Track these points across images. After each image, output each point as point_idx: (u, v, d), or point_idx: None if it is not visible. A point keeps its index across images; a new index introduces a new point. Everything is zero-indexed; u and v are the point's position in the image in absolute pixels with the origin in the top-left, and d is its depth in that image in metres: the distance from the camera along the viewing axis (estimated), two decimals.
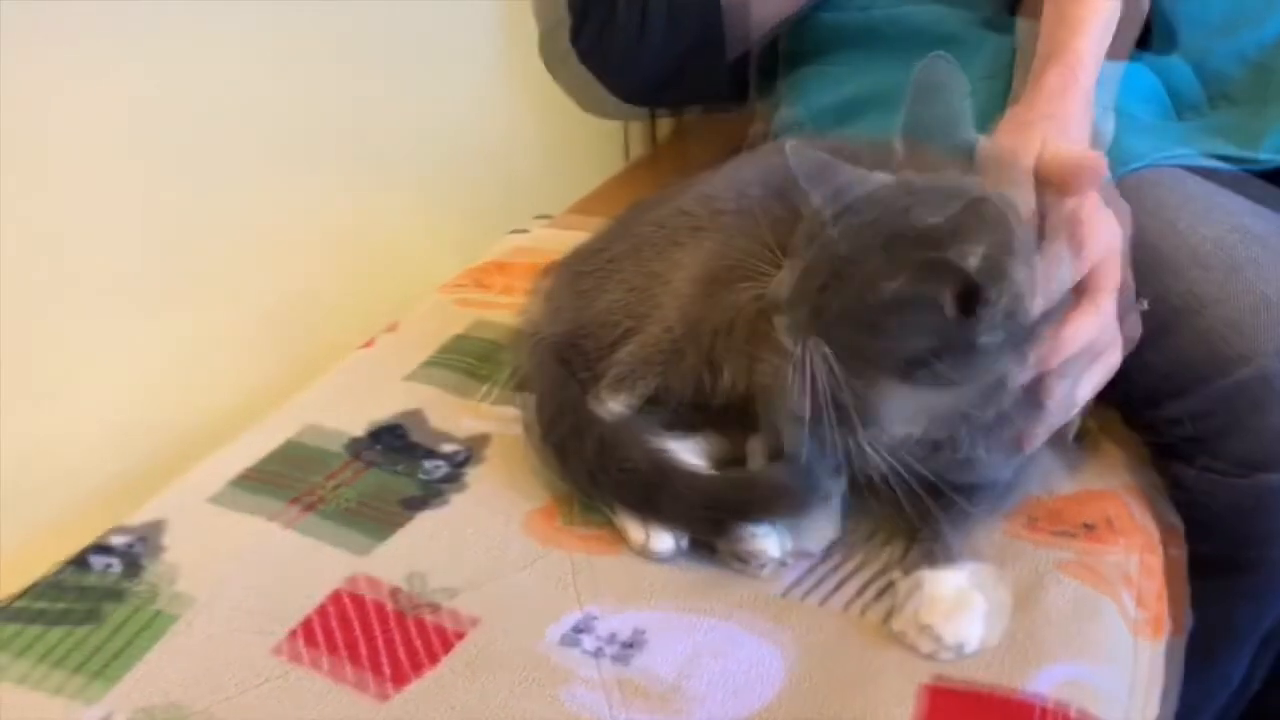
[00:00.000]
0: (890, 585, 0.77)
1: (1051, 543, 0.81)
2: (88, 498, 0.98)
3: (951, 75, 0.76)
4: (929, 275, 0.64)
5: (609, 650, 0.73)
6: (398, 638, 0.74)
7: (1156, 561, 0.84)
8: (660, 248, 0.88)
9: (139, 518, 0.85)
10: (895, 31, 1.12)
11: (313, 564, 0.80)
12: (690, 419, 0.84)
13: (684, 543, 0.79)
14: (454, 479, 0.89)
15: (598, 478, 0.81)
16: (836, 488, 0.80)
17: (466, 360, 1.04)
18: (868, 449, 0.70)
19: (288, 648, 0.73)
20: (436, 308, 1.14)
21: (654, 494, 0.78)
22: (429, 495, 0.87)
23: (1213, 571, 0.86)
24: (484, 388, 1.00)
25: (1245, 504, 0.85)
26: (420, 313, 1.13)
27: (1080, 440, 0.87)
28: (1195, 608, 0.82)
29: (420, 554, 0.81)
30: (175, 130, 1.04)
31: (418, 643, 0.74)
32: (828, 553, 0.80)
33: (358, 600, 0.77)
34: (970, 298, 0.64)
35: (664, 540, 0.79)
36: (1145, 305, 0.78)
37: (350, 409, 0.97)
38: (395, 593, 0.78)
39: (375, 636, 0.74)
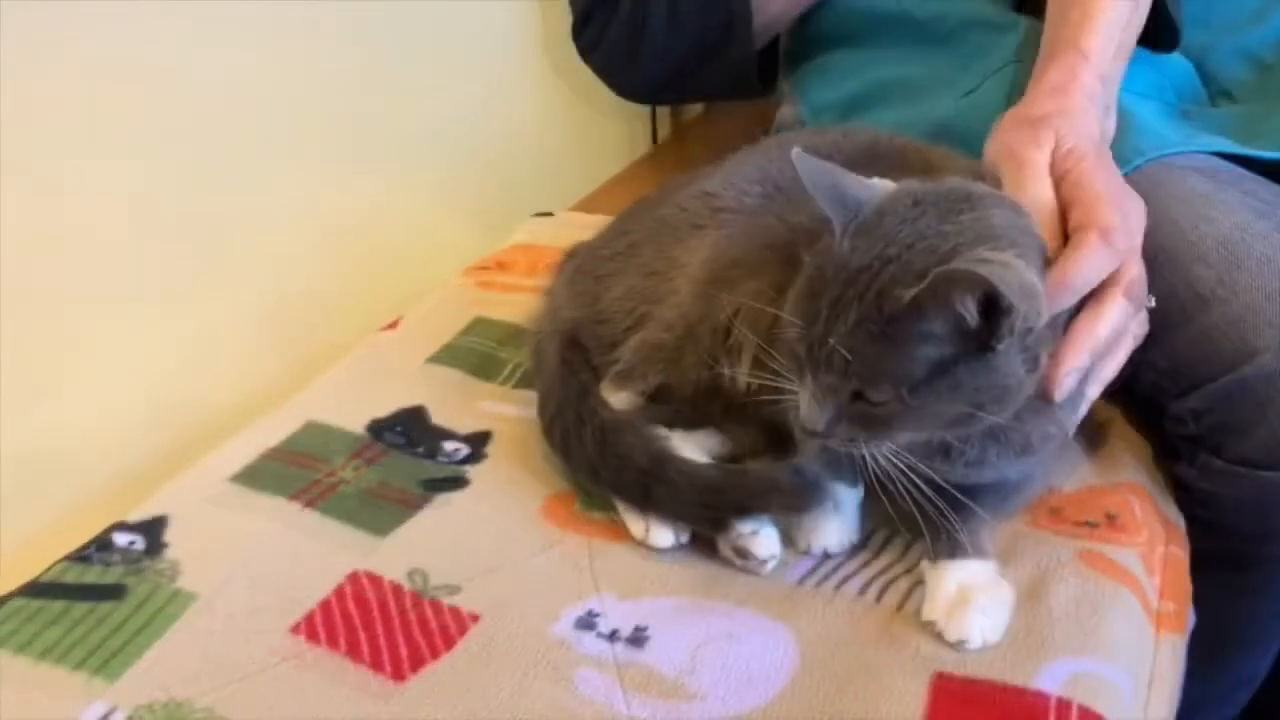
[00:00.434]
0: (899, 578, 0.77)
1: (1075, 533, 0.81)
2: (97, 492, 0.99)
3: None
4: (948, 283, 0.63)
5: (623, 636, 0.73)
6: (414, 620, 0.75)
7: (1182, 554, 0.84)
8: (680, 233, 0.88)
9: (163, 494, 0.86)
10: (924, 13, 1.11)
11: (330, 546, 0.81)
12: (693, 415, 0.85)
13: (684, 537, 0.80)
14: (473, 462, 0.90)
15: (598, 470, 0.81)
16: (855, 493, 0.80)
17: (488, 343, 1.04)
18: (877, 454, 0.70)
19: (305, 628, 0.74)
20: (459, 290, 1.15)
21: (650, 485, 0.78)
22: (448, 478, 0.88)
23: (1215, 569, 0.85)
24: (505, 370, 1.01)
25: (1248, 501, 0.85)
26: (443, 295, 1.14)
27: (1097, 434, 0.86)
28: (1197, 605, 0.81)
29: (438, 537, 0.82)
30: (179, 125, 1.04)
31: (433, 625, 0.75)
32: None
33: (375, 582, 0.78)
34: (991, 305, 0.64)
35: (663, 534, 0.79)
36: (1152, 302, 0.78)
37: (372, 391, 0.97)
38: (412, 575, 0.78)
39: (391, 619, 0.75)
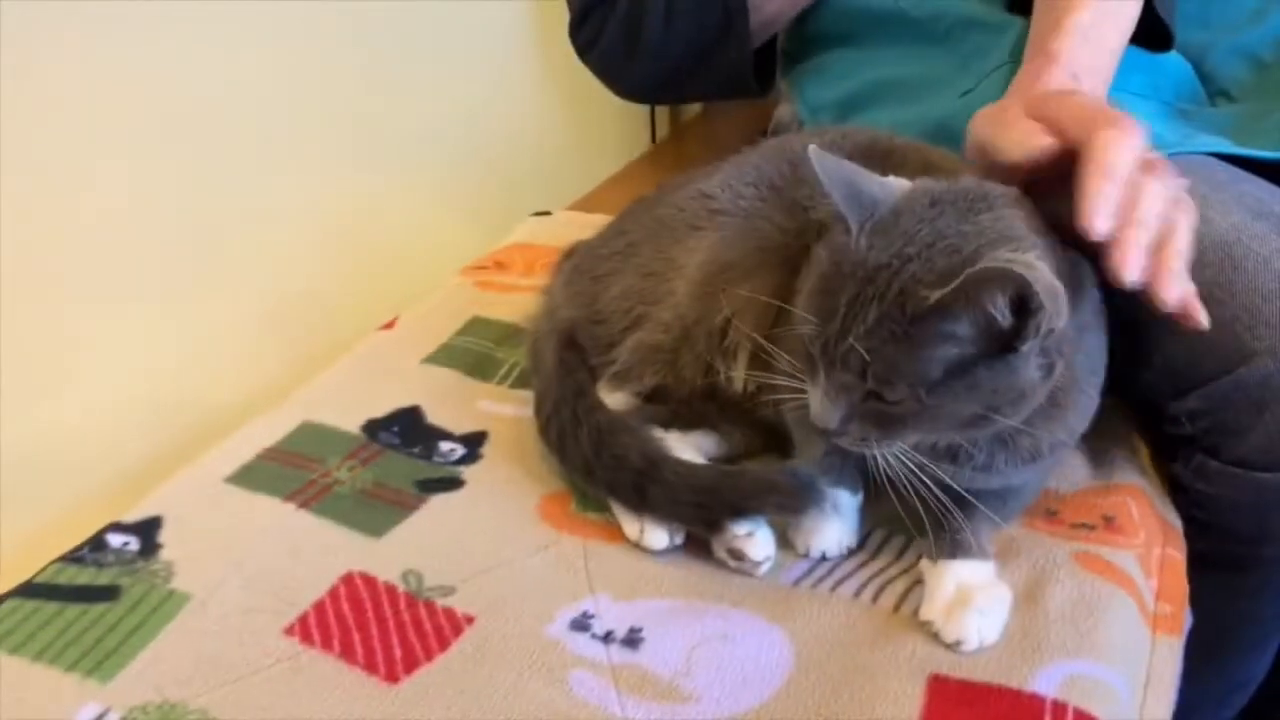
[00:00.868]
0: (895, 579, 0.77)
1: (1070, 535, 0.81)
2: (97, 491, 0.99)
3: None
4: (982, 282, 0.63)
5: (617, 637, 0.73)
6: (408, 621, 0.75)
7: (1179, 556, 0.84)
8: (678, 233, 0.87)
9: (158, 494, 0.86)
10: (921, 13, 1.11)
11: (325, 547, 0.81)
12: (689, 416, 0.85)
13: (679, 538, 0.79)
14: (469, 462, 0.90)
15: (594, 470, 0.81)
16: (855, 498, 0.80)
17: (484, 343, 1.04)
18: (887, 454, 0.70)
19: (299, 629, 0.74)
20: (457, 290, 1.15)
21: (646, 486, 0.78)
22: (444, 478, 0.88)
23: (1211, 570, 0.85)
24: (501, 370, 1.01)
25: (1244, 503, 0.84)
26: (440, 295, 1.14)
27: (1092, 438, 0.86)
28: (1193, 607, 0.81)
29: (433, 538, 0.82)
30: (179, 125, 1.05)
31: (428, 626, 0.74)
32: None
33: (370, 583, 0.78)
34: (1022, 304, 0.64)
35: (658, 535, 0.79)
36: (1188, 183, 0.75)
37: (368, 391, 0.97)
38: (407, 576, 0.78)
39: (386, 619, 0.75)
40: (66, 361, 0.99)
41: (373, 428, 0.93)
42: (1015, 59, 0.96)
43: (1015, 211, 0.69)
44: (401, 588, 0.77)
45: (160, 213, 1.05)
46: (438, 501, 0.85)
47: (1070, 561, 0.78)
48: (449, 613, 0.75)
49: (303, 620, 0.75)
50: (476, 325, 1.07)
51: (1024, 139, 0.75)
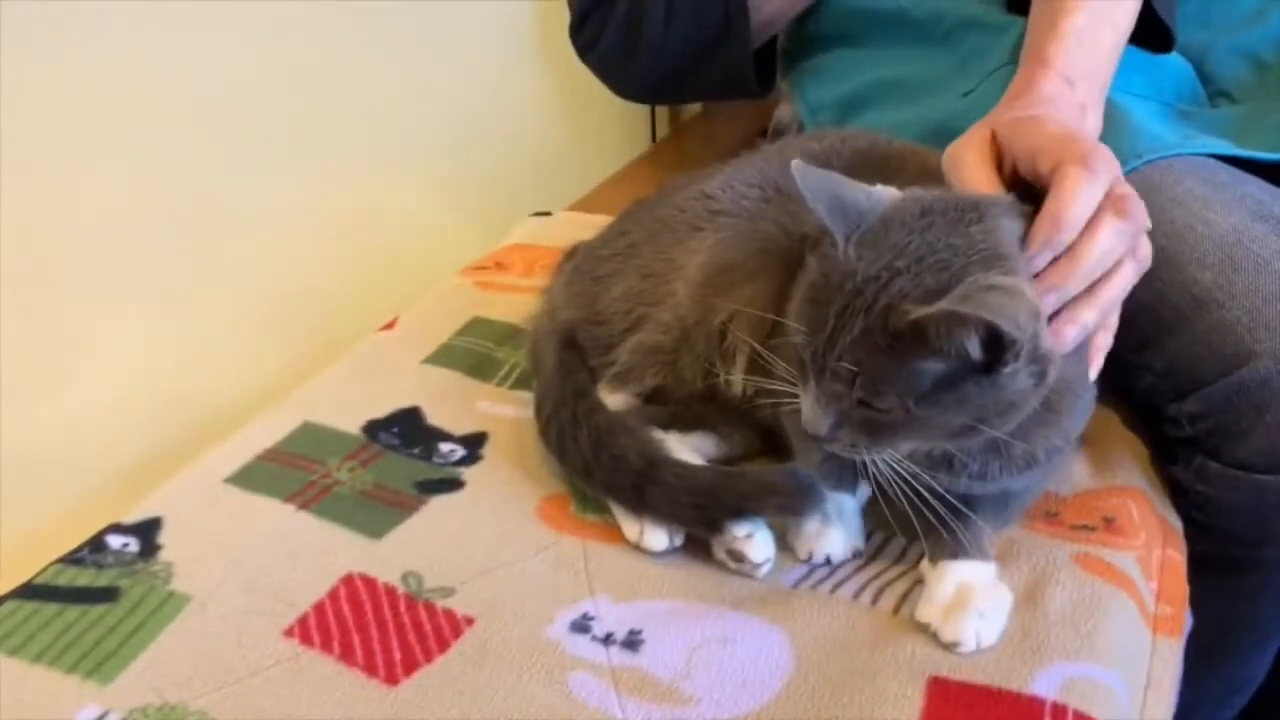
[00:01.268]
0: (895, 581, 0.77)
1: (1071, 536, 0.81)
2: (97, 491, 0.99)
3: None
4: (953, 322, 0.62)
5: (617, 639, 0.73)
6: (408, 623, 0.75)
7: (1179, 558, 0.84)
8: (679, 234, 0.87)
9: (158, 495, 0.86)
10: (922, 13, 1.11)
11: (325, 548, 0.81)
12: (689, 418, 0.85)
13: (678, 540, 0.79)
14: (469, 463, 0.89)
15: (593, 470, 0.81)
16: (857, 501, 0.80)
17: (485, 344, 1.04)
18: (878, 461, 0.70)
19: (299, 630, 0.74)
20: (457, 290, 1.15)
21: (645, 487, 0.78)
22: (443, 479, 0.88)
23: (1212, 572, 0.85)
24: (501, 371, 1.01)
25: (1244, 504, 0.84)
26: (440, 295, 1.14)
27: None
28: (1193, 609, 0.81)
29: (433, 539, 0.82)
30: (179, 125, 1.05)
31: (428, 628, 0.74)
32: None
33: (369, 584, 0.78)
34: (995, 339, 0.63)
35: (657, 537, 0.79)
36: (1149, 225, 0.74)
37: (368, 392, 0.97)
38: (407, 578, 0.78)
39: (386, 621, 0.75)
40: (66, 361, 0.99)
41: (373, 429, 0.93)
42: (1016, 60, 0.96)
43: (1007, 223, 0.69)
44: (401, 589, 0.77)
45: (160, 212, 1.05)
46: (438, 503, 0.85)
47: (1070, 563, 0.78)
48: (449, 614, 0.75)
49: (302, 622, 0.75)
50: (476, 326, 1.07)
51: (969, 182, 0.74)
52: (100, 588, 0.78)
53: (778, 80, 1.26)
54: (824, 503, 0.77)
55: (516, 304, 1.07)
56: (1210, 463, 0.85)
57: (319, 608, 0.76)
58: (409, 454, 0.90)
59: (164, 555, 0.80)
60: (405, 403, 0.96)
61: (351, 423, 0.93)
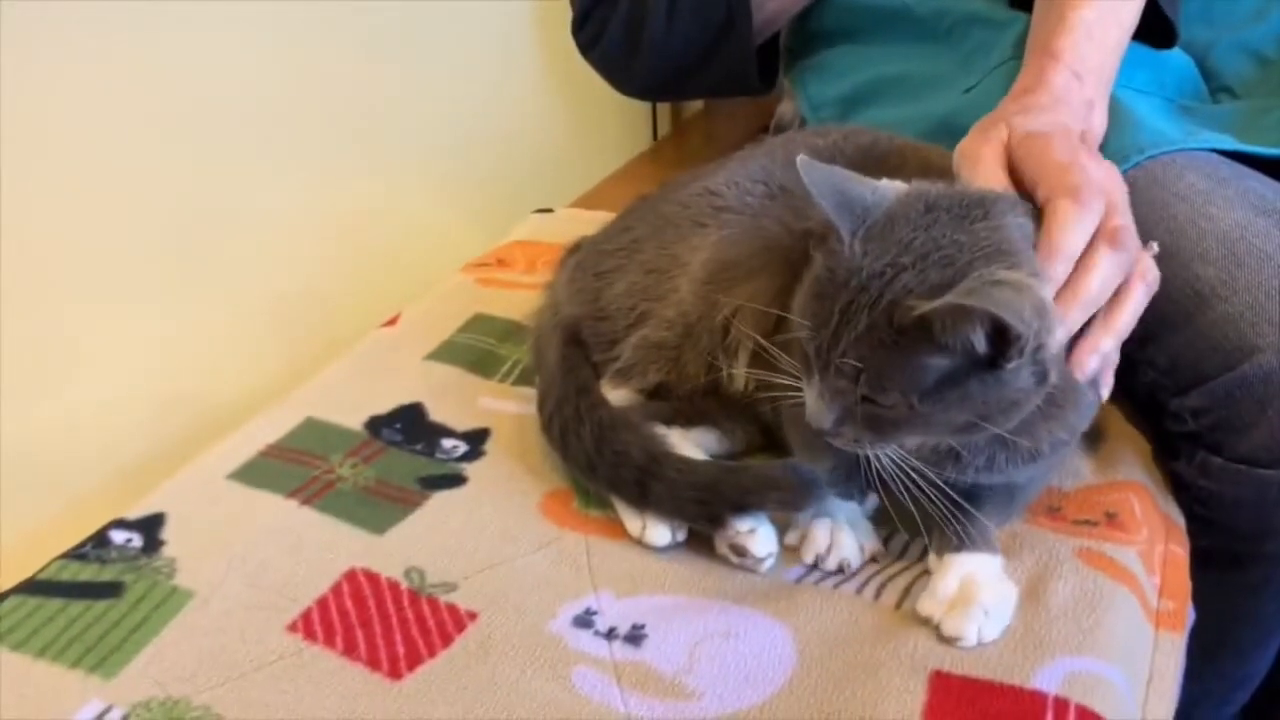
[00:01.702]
0: (897, 576, 0.77)
1: (1073, 531, 0.81)
2: (99, 488, 0.99)
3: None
4: (958, 315, 0.63)
5: (620, 634, 0.73)
6: (411, 618, 0.75)
7: (1181, 552, 0.84)
8: (682, 230, 0.87)
9: (161, 491, 0.86)
10: (924, 9, 1.11)
11: (328, 544, 0.81)
12: (691, 413, 0.85)
13: (681, 535, 0.79)
14: (471, 459, 0.90)
15: (596, 466, 0.81)
16: (864, 505, 0.80)
17: (487, 340, 1.04)
18: (882, 456, 0.70)
19: (302, 626, 0.74)
20: (459, 287, 1.15)
21: (648, 482, 0.78)
22: (446, 475, 0.88)
23: (1214, 567, 0.85)
24: (504, 367, 1.01)
25: (1247, 499, 0.84)
26: (442, 292, 1.14)
27: (1095, 432, 0.86)
28: (1196, 603, 0.81)
29: (436, 535, 0.82)
30: (180, 124, 1.05)
31: (431, 623, 0.74)
32: None
33: (372, 579, 0.78)
34: (1000, 332, 0.64)
35: (660, 532, 0.79)
36: (1155, 249, 0.76)
37: (370, 388, 0.97)
38: (409, 573, 0.78)
39: (389, 616, 0.75)
40: (68, 359, 0.99)
41: (375, 425, 0.93)
42: (1018, 55, 0.96)
43: (1013, 217, 0.69)
44: (404, 584, 0.77)
45: (160, 212, 1.05)
46: (440, 498, 0.85)
47: (1073, 558, 0.78)
48: (451, 609, 0.75)
49: (305, 617, 0.75)
50: (478, 322, 1.07)
51: (982, 181, 0.75)
52: (104, 583, 0.78)
53: (780, 77, 1.26)
54: (825, 497, 0.77)
55: (518, 300, 1.07)
56: (1213, 458, 0.85)
57: (322, 603, 0.76)
58: (411, 450, 0.91)
59: (167, 551, 0.80)
60: (407, 399, 0.96)
61: (354, 419, 0.93)
